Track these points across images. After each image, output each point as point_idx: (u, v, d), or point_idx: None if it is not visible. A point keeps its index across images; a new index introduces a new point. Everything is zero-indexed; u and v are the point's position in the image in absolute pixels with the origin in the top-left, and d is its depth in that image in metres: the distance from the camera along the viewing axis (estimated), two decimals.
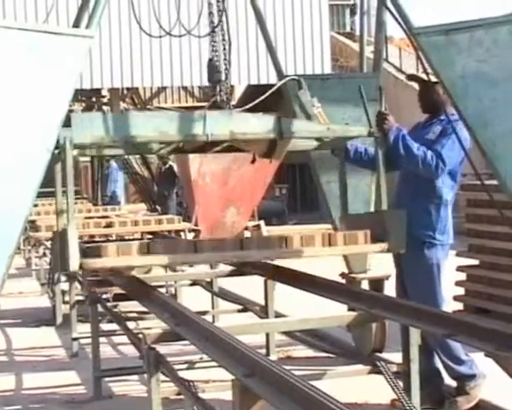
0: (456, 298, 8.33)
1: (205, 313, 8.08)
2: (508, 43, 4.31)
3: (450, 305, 8.07)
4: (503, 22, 4.35)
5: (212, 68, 6.42)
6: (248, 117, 5.88)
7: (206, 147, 5.95)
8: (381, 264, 7.31)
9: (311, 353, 8.17)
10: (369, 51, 9.60)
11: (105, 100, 23.28)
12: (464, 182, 9.32)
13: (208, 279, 8.67)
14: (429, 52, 4.43)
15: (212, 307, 8.90)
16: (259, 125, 5.84)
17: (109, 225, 10.36)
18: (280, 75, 7.46)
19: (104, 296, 8.76)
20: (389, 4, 4.76)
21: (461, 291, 8.37)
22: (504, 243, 7.34)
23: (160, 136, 5.64)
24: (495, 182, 4.58)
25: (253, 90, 18.94)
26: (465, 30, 4.38)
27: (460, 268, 8.39)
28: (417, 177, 6.05)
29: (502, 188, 4.47)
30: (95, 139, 5.48)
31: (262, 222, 17.13)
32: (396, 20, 4.63)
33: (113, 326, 8.01)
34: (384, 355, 6.80)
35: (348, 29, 33.88)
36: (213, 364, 4.85)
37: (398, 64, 22.44)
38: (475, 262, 8.32)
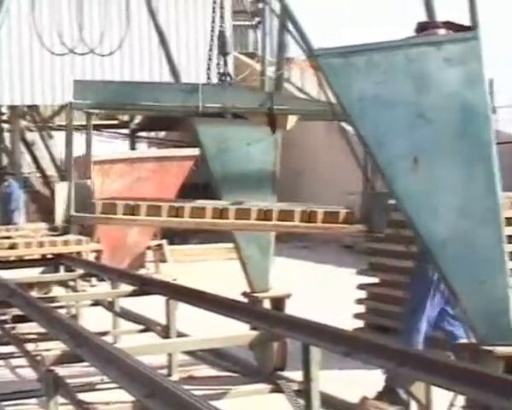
0: (356, 316, 8.46)
1: (106, 333, 7.98)
2: (403, 67, 4.42)
3: (350, 322, 8.21)
4: (400, 46, 4.45)
5: (224, 40, 6.44)
6: (242, 92, 6.02)
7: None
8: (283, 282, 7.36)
9: (213, 372, 8.15)
10: (271, 71, 9.68)
11: (4, 117, 22.85)
12: None
13: (109, 299, 8.57)
14: (329, 74, 4.50)
15: (114, 328, 8.80)
16: (251, 99, 5.96)
17: (12, 247, 10.13)
18: None
19: (2, 318, 8.55)
20: (290, 26, 4.82)
21: (361, 309, 8.51)
22: (403, 261, 7.50)
23: (154, 106, 5.90)
24: (393, 201, 4.68)
25: None
26: (363, 53, 4.47)
27: (360, 286, 8.54)
28: None
29: (398, 207, 4.57)
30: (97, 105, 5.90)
31: (164, 242, 17.05)
32: (296, 41, 4.69)
33: (12, 349, 7.84)
34: (286, 374, 6.83)
35: (251, 49, 34.09)
36: (114, 385, 4.80)
37: (300, 85, 22.71)
38: (376, 280, 8.49)
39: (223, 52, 6.21)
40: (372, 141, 4.48)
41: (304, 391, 4.98)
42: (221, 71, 6.11)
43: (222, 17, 6.34)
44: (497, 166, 4.44)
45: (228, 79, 6.11)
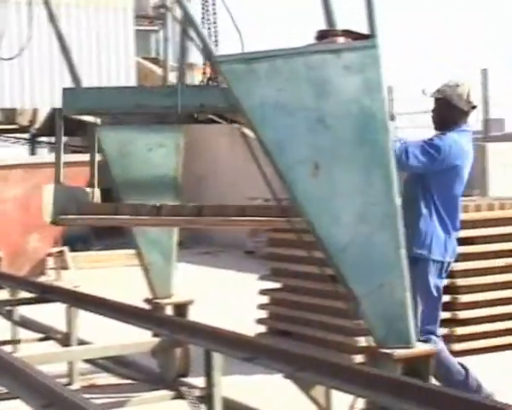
0: (259, 321, 8.50)
1: (4, 342, 7.81)
2: (304, 74, 4.46)
3: (253, 328, 8.24)
4: (301, 53, 4.49)
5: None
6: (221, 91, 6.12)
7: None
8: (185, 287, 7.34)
9: (115, 380, 8.07)
10: (173, 77, 9.64)
11: None
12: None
13: (8, 308, 8.39)
14: (231, 80, 4.52)
15: (13, 337, 8.61)
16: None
17: None
18: None
19: None
20: (191, 32, 4.82)
21: (264, 314, 8.56)
22: (305, 266, 7.58)
23: (135, 107, 6.27)
24: (293, 207, 4.71)
25: None
26: (265, 59, 4.50)
27: (263, 292, 8.59)
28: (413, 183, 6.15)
29: (299, 213, 4.61)
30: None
31: (66, 248, 16.79)
32: (197, 47, 4.68)
33: None
34: (189, 380, 6.82)
35: (154, 54, 33.93)
36: (11, 395, 4.69)
37: None
38: (278, 285, 8.54)
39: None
40: (273, 146, 4.51)
41: (206, 397, 4.98)
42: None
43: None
44: (394, 172, 4.52)
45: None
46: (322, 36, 4.65)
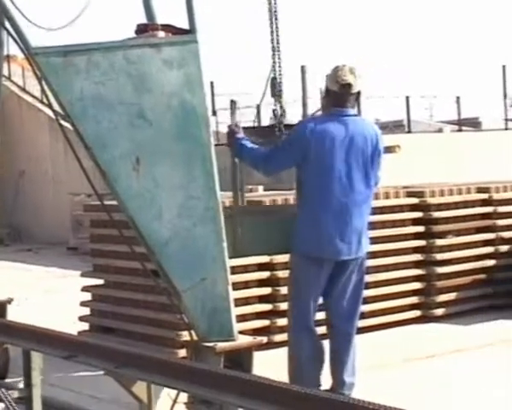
0: (81, 318, 8.36)
1: None
2: (123, 68, 4.42)
3: (75, 325, 8.10)
4: (119, 47, 4.45)
5: (274, 85, 5.94)
6: None
7: None
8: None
9: None
10: None
11: None
12: (88, 202, 9.42)
13: None
14: (48, 73, 4.42)
15: None
16: None
17: None
18: None
19: None
20: (7, 23, 4.66)
21: (87, 311, 8.42)
22: (127, 262, 7.51)
23: None
24: (115, 202, 4.67)
25: None
26: (83, 52, 4.43)
27: (85, 288, 8.45)
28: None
29: (121, 208, 4.57)
30: None
31: None
32: (13, 39, 4.55)
33: None
34: (11, 381, 6.62)
35: None
36: None
37: (22, 83, 22.10)
38: (101, 282, 8.43)
39: None
40: (93, 141, 4.45)
41: (26, 398, 4.85)
42: None
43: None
44: (215, 166, 4.56)
45: None
46: (141, 30, 4.63)
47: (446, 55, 65.89)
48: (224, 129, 19.28)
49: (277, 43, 5.82)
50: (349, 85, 5.68)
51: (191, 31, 4.54)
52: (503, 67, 19.73)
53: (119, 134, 4.44)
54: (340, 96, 5.72)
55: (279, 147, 5.82)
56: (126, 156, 4.46)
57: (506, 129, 19.73)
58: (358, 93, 5.79)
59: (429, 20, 76.35)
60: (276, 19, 5.85)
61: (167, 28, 4.60)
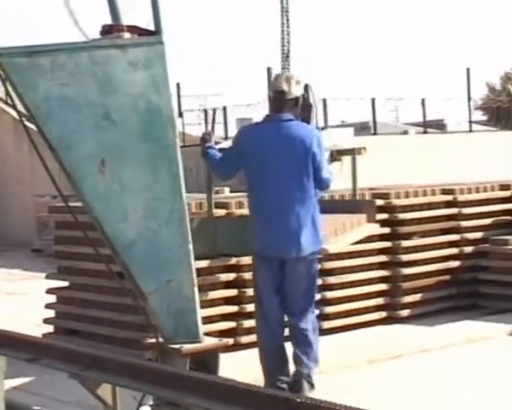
0: (46, 321, 8.30)
1: None
2: (88, 68, 4.40)
3: (40, 328, 8.04)
4: (84, 48, 4.43)
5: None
6: None
7: None
8: None
9: None
10: None
11: None
12: (53, 204, 9.37)
13: None
14: (12, 74, 4.38)
15: None
16: None
17: None
18: None
19: None
20: None
21: (51, 313, 8.37)
22: (92, 263, 7.47)
23: None
24: (80, 204, 4.64)
25: None
26: (48, 53, 4.40)
27: (50, 290, 8.39)
28: None
29: (86, 209, 4.55)
30: None
31: None
32: None
33: None
34: None
35: None
36: None
37: None
38: (66, 284, 8.37)
39: None
40: (58, 143, 4.42)
41: None
42: None
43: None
44: (181, 167, 4.54)
45: None
46: (107, 31, 4.60)
47: (412, 58, 66.45)
48: (190, 130, 19.38)
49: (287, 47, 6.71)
50: (283, 92, 6.00)
51: (157, 32, 4.53)
52: (468, 69, 19.91)
53: (85, 135, 4.42)
54: (274, 102, 6.07)
55: (226, 154, 6.21)
56: (92, 158, 4.44)
57: (470, 131, 19.91)
58: (297, 98, 6.08)
59: (395, 22, 76.92)
60: (287, 19, 6.59)
61: (133, 29, 4.58)
